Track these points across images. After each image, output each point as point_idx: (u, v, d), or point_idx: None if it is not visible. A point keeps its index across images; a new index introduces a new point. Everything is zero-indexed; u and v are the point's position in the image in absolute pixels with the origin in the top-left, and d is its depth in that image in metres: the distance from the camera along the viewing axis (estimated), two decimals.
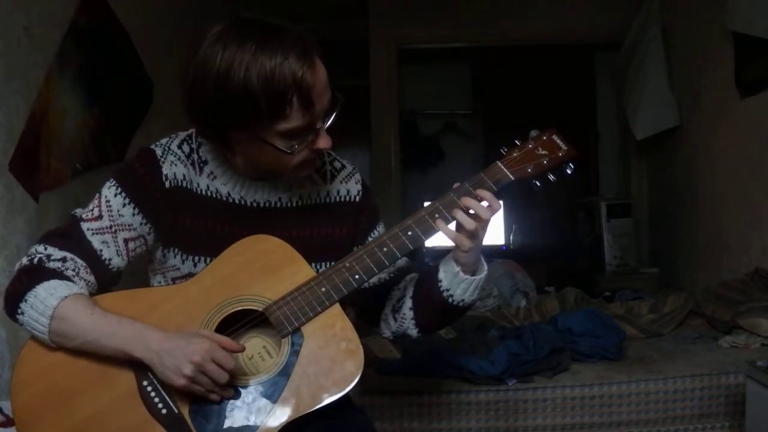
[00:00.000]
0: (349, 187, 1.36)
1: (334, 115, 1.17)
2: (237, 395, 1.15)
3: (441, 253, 1.29)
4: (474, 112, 5.48)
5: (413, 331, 1.35)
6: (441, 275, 1.27)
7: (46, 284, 1.14)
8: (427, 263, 1.36)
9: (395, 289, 1.38)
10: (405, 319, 1.34)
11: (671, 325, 2.60)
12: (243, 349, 1.17)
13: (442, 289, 1.26)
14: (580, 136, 4.80)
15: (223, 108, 1.11)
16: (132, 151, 2.47)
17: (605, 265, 4.07)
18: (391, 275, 1.37)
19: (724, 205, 3.18)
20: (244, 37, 1.09)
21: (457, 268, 1.24)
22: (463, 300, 1.27)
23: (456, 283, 1.25)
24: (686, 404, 2.06)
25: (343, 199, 1.35)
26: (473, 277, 1.26)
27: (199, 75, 1.11)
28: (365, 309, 1.40)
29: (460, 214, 1.20)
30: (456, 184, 1.25)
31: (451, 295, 1.27)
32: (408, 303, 1.33)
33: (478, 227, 1.20)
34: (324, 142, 1.17)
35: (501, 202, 1.22)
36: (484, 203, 1.21)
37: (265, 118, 1.11)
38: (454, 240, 1.22)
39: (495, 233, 4.47)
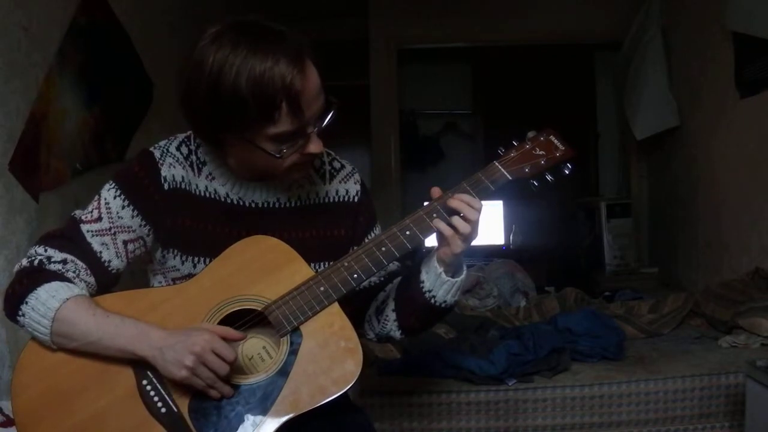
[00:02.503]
0: (348, 187, 1.36)
1: (328, 119, 1.17)
2: (236, 394, 1.15)
3: None
4: (474, 112, 5.48)
5: (396, 333, 1.35)
6: (423, 276, 1.27)
7: (47, 286, 1.14)
8: None
9: (382, 291, 1.38)
10: (388, 321, 1.34)
11: (671, 325, 2.60)
12: (243, 337, 1.17)
13: (424, 290, 1.27)
14: (580, 136, 4.82)
15: (215, 110, 1.11)
16: (132, 151, 2.47)
17: (605, 265, 4.07)
18: (381, 278, 1.37)
19: (724, 205, 3.19)
20: (237, 40, 1.10)
21: (440, 269, 1.25)
22: (445, 301, 1.28)
23: (439, 285, 1.26)
24: (686, 404, 2.06)
25: (341, 200, 1.35)
26: (455, 279, 1.26)
27: (193, 76, 1.11)
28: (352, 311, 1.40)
29: (454, 217, 1.21)
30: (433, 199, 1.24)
31: (434, 296, 1.27)
32: (391, 305, 1.33)
33: (470, 229, 1.20)
34: (315, 147, 1.17)
35: (482, 202, 1.22)
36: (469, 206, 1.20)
37: (254, 122, 1.11)
38: (449, 240, 1.22)
39: (495, 233, 4.47)
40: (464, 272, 1.28)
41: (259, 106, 1.08)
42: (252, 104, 1.08)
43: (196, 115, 1.15)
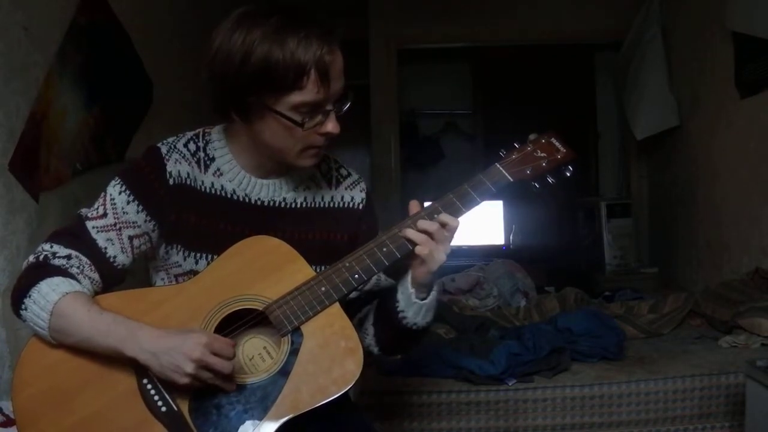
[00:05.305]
0: (353, 194, 1.37)
1: (347, 106, 1.19)
2: (236, 394, 1.15)
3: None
4: (474, 112, 5.49)
5: (375, 349, 1.34)
6: (398, 295, 1.27)
7: (49, 280, 1.14)
8: None
9: (368, 304, 1.38)
10: (367, 335, 1.34)
11: (671, 325, 2.60)
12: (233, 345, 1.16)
13: (398, 309, 1.27)
14: (580, 136, 4.82)
15: (243, 75, 1.13)
16: (132, 151, 2.47)
17: (605, 265, 4.06)
18: (373, 290, 1.37)
19: (724, 205, 3.19)
20: (269, 15, 1.14)
21: (411, 290, 1.25)
22: (416, 323, 1.27)
23: (409, 305, 1.26)
24: (686, 404, 2.06)
25: (346, 206, 1.36)
26: (422, 302, 1.26)
27: (224, 46, 1.14)
28: None
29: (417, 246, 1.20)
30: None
31: (405, 317, 1.27)
32: (371, 318, 1.34)
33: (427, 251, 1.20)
34: (332, 126, 1.19)
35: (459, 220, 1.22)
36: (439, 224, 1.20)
37: (281, 87, 1.13)
38: (425, 258, 1.21)
39: (495, 233, 4.47)
40: (433, 292, 1.27)
41: (288, 71, 1.11)
42: (282, 69, 1.11)
43: (222, 82, 1.16)
